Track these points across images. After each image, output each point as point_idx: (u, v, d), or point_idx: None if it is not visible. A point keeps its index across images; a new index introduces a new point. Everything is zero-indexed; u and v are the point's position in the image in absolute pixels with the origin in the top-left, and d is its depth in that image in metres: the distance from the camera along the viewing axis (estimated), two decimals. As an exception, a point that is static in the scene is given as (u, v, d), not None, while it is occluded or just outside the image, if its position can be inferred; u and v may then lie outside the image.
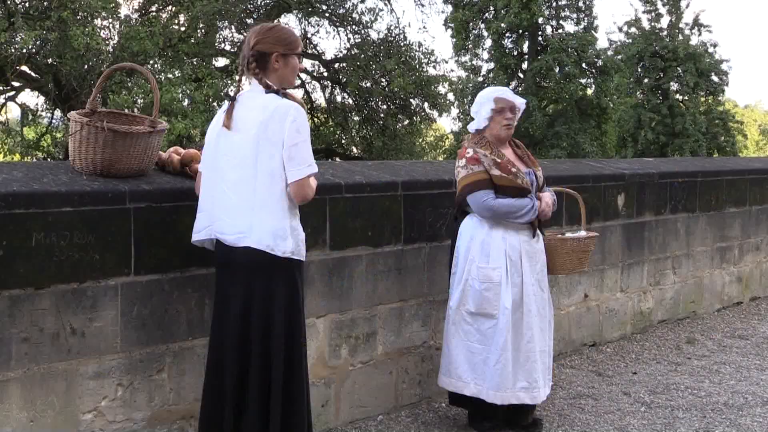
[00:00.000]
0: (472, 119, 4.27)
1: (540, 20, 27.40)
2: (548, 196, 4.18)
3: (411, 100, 19.58)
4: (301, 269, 3.22)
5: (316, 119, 21.47)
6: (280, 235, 3.09)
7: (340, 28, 19.76)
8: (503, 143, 4.18)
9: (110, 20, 15.26)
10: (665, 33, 30.55)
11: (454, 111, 27.33)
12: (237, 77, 3.46)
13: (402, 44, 19.43)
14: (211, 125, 3.31)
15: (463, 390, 4.12)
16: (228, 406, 3.17)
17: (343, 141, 21.63)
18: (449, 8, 28.73)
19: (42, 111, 19.32)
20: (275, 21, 19.21)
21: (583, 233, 4.35)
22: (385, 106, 20.01)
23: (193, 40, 16.52)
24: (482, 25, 28.43)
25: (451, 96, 23.36)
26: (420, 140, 23.11)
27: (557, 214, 4.83)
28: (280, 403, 3.13)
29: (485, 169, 4.03)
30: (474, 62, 29.12)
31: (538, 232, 4.18)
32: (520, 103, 4.19)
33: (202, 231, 3.24)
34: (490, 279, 4.04)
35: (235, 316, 3.16)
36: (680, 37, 30.30)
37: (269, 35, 3.20)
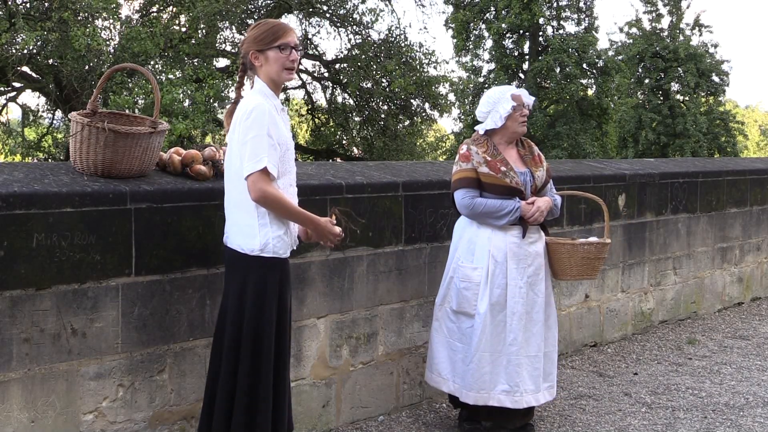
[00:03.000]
0: (479, 121, 4.20)
1: (541, 21, 27.38)
2: (543, 201, 4.08)
3: (412, 100, 19.56)
4: (276, 267, 3.13)
5: (317, 120, 21.48)
6: (248, 233, 3.09)
7: (340, 29, 19.75)
8: (512, 142, 4.16)
9: (111, 21, 15.25)
10: (666, 33, 30.54)
11: (455, 111, 27.36)
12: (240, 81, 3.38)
13: (403, 45, 19.41)
14: None
15: (442, 386, 4.16)
16: (204, 403, 3.22)
17: (343, 141, 21.62)
18: (450, 9, 28.74)
19: (43, 112, 19.35)
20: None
21: (594, 239, 4.23)
22: (385, 107, 19.99)
23: (193, 41, 16.51)
24: (483, 26, 28.41)
25: (451, 96, 23.35)
26: (421, 141, 23.08)
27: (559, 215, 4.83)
28: (244, 408, 3.09)
29: (474, 166, 4.03)
30: (475, 63, 29.10)
31: (537, 233, 4.14)
32: (533, 100, 4.20)
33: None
34: (469, 279, 4.04)
35: (219, 315, 3.23)
36: (681, 38, 30.28)
37: (248, 36, 3.21)
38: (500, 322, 4.01)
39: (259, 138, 3.03)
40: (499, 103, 4.09)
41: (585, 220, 5.68)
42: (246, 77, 3.28)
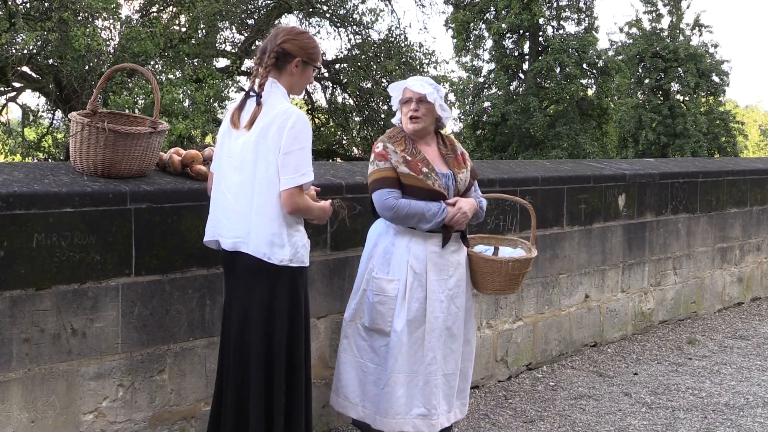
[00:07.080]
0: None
1: (541, 21, 27.40)
2: (466, 203, 3.63)
3: (412, 100, 19.56)
4: (302, 275, 3.15)
5: (317, 120, 21.51)
6: (277, 243, 3.03)
7: (340, 29, 19.78)
8: (421, 138, 3.71)
9: (111, 21, 15.28)
10: (666, 33, 30.58)
11: (455, 111, 27.37)
12: (253, 72, 3.33)
13: (403, 45, 19.45)
14: (222, 124, 3.30)
15: (349, 412, 3.72)
16: (227, 412, 3.16)
17: (344, 141, 21.66)
18: (450, 9, 28.77)
19: (43, 112, 19.37)
20: (278, 22, 19.23)
21: (521, 252, 3.91)
22: (385, 107, 20.02)
23: (193, 41, 16.54)
24: (483, 26, 28.42)
25: (452, 97, 23.38)
26: (421, 141, 23.07)
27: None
28: (283, 409, 3.10)
29: (392, 166, 3.58)
30: (475, 63, 29.10)
31: (457, 242, 3.74)
32: (428, 93, 3.64)
33: (209, 232, 3.24)
34: (384, 292, 3.60)
35: (237, 323, 3.14)
36: (681, 38, 30.33)
37: (298, 39, 3.18)
38: (417, 339, 3.59)
39: (305, 151, 3.03)
40: (394, 96, 3.79)
41: (585, 220, 5.68)
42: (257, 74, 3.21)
